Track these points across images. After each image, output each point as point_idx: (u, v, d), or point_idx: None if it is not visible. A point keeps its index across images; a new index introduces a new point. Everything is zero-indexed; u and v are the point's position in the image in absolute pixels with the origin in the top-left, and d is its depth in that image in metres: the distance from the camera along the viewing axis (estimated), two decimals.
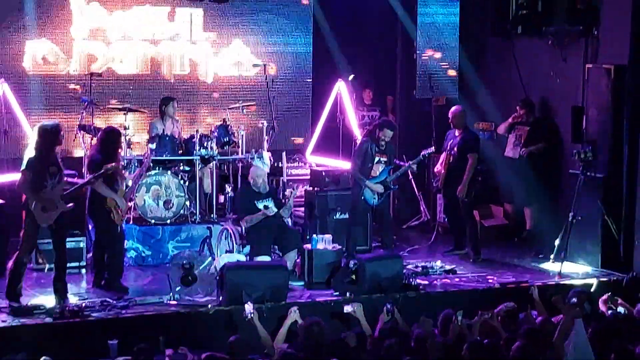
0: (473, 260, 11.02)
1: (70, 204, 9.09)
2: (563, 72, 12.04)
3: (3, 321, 8.38)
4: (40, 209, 8.82)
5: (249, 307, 8.16)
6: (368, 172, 10.59)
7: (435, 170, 11.44)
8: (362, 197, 10.58)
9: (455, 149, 11.07)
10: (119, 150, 9.88)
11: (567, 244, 10.62)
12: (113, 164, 9.37)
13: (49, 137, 8.93)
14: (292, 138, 13.44)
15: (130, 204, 10.28)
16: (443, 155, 11.30)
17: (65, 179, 9.13)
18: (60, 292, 9.04)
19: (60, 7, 12.23)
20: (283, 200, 10.44)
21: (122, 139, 10.73)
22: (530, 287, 8.81)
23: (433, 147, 11.22)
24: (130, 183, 10.02)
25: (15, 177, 9.85)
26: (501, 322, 7.85)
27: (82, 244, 10.47)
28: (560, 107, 12.04)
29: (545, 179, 11.89)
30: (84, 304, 8.74)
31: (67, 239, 10.28)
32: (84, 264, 10.40)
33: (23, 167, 9.01)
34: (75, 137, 11.59)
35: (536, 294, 8.51)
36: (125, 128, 11.13)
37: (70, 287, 9.58)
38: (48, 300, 8.97)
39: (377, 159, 10.62)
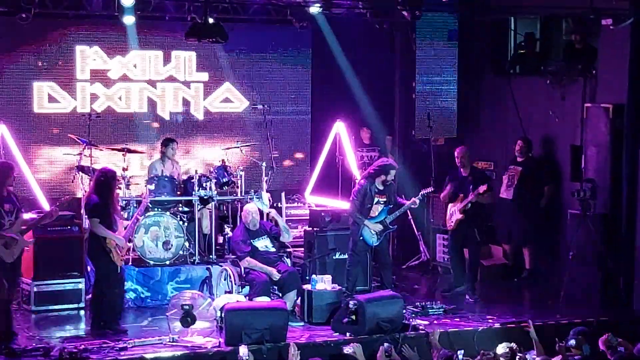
0: (474, 300, 10.98)
1: (31, 239, 9.08)
2: (561, 111, 12.08)
3: None
4: (3, 245, 8.80)
5: (243, 350, 8.10)
6: (367, 213, 10.57)
7: (450, 211, 11.28)
8: (361, 237, 10.56)
9: (473, 194, 10.97)
10: (115, 190, 9.87)
11: (567, 283, 10.58)
12: (67, 196, 9.58)
13: None
14: (294, 154, 13.56)
15: (130, 244, 10.27)
16: (445, 194, 11.24)
17: (22, 216, 9.10)
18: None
19: (65, 51, 12.56)
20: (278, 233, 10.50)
21: (121, 179, 10.79)
22: (527, 321, 8.80)
23: (432, 187, 11.20)
24: (126, 224, 10.01)
25: None
26: None
27: (80, 285, 10.44)
28: (559, 146, 12.07)
29: (543, 218, 11.90)
30: (82, 346, 8.69)
31: (67, 281, 10.33)
32: (83, 305, 10.36)
33: None
34: (74, 178, 11.65)
35: (533, 332, 8.46)
36: (124, 169, 11.18)
37: (69, 329, 9.57)
38: (46, 342, 8.91)
39: (376, 199, 10.60)
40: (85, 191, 10.91)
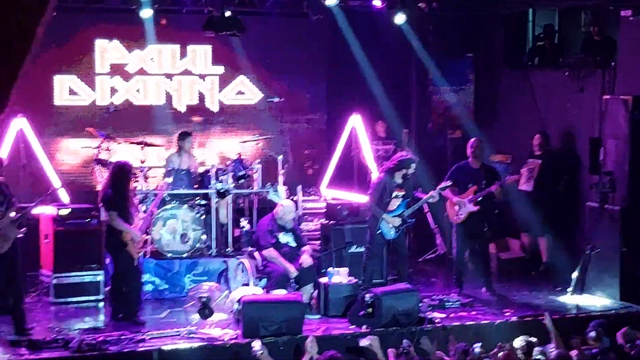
0: (492, 294, 10.94)
1: (23, 229, 9.13)
2: (580, 103, 12.03)
3: (21, 355, 8.38)
4: None
5: (257, 344, 8.10)
6: (386, 207, 10.53)
7: (457, 203, 11.13)
8: (379, 231, 10.54)
9: (498, 184, 10.92)
10: (130, 184, 9.91)
11: (585, 277, 10.56)
12: (55, 187, 9.82)
13: None
14: (310, 147, 13.60)
15: (147, 237, 10.31)
16: (451, 189, 11.17)
17: (16, 205, 9.12)
18: (18, 321, 9.03)
19: (85, 45, 12.63)
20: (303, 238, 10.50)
21: (139, 172, 10.84)
22: (544, 313, 8.79)
23: (450, 180, 11.14)
24: (142, 217, 10.04)
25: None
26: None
27: (99, 278, 10.50)
28: (578, 138, 12.03)
29: (562, 210, 11.86)
30: (101, 337, 8.74)
31: (86, 273, 10.38)
32: (102, 297, 10.43)
33: None
34: (93, 171, 11.72)
35: (549, 322, 8.44)
36: (142, 162, 11.22)
37: (88, 321, 9.65)
38: (66, 333, 8.96)
39: (395, 193, 10.57)
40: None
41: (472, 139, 11.26)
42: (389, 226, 10.51)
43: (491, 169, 11.25)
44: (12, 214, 8.92)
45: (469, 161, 11.06)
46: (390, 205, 10.54)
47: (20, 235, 9.10)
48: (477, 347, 7.70)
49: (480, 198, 10.88)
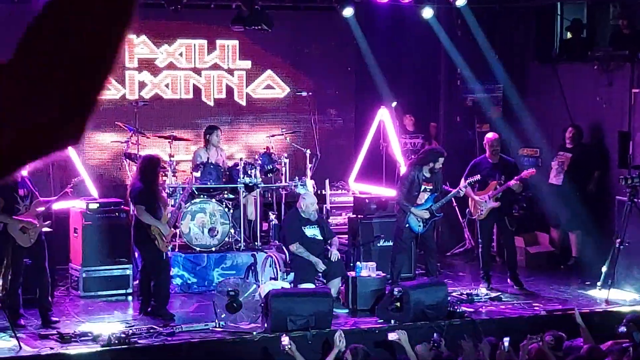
0: (519, 289, 10.90)
1: (48, 222, 9.20)
2: (609, 97, 11.95)
3: (51, 348, 8.46)
4: (19, 229, 8.92)
5: (285, 340, 8.12)
6: (414, 200, 10.52)
7: (478, 199, 11.10)
8: (407, 225, 10.52)
9: (516, 179, 10.88)
10: (159, 177, 9.95)
11: (615, 271, 10.50)
12: (77, 178, 9.81)
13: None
14: (338, 141, 13.62)
15: (175, 231, 10.36)
16: (471, 185, 11.08)
17: (39, 199, 9.19)
18: (44, 313, 9.11)
19: None
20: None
21: (167, 166, 10.89)
22: (574, 308, 8.75)
23: (478, 175, 11.10)
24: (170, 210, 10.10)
25: (62, 205, 10.08)
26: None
27: (128, 272, 10.57)
28: (607, 132, 11.95)
29: (592, 204, 11.79)
30: (130, 331, 8.81)
31: (115, 267, 10.45)
32: (131, 291, 10.50)
33: None
34: (122, 166, 11.78)
35: (579, 317, 8.40)
36: (170, 156, 11.28)
37: (117, 314, 9.71)
38: (95, 327, 9.05)
39: (423, 187, 10.55)
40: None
41: (491, 136, 11.23)
42: (418, 220, 10.50)
43: (509, 164, 11.18)
44: (39, 208, 9.02)
45: (486, 156, 11.07)
46: (418, 199, 10.53)
47: (46, 229, 9.19)
48: (506, 342, 7.67)
49: (500, 194, 10.87)
